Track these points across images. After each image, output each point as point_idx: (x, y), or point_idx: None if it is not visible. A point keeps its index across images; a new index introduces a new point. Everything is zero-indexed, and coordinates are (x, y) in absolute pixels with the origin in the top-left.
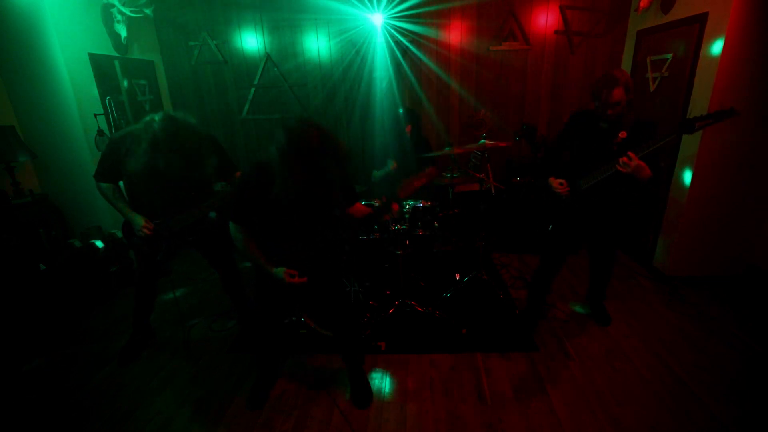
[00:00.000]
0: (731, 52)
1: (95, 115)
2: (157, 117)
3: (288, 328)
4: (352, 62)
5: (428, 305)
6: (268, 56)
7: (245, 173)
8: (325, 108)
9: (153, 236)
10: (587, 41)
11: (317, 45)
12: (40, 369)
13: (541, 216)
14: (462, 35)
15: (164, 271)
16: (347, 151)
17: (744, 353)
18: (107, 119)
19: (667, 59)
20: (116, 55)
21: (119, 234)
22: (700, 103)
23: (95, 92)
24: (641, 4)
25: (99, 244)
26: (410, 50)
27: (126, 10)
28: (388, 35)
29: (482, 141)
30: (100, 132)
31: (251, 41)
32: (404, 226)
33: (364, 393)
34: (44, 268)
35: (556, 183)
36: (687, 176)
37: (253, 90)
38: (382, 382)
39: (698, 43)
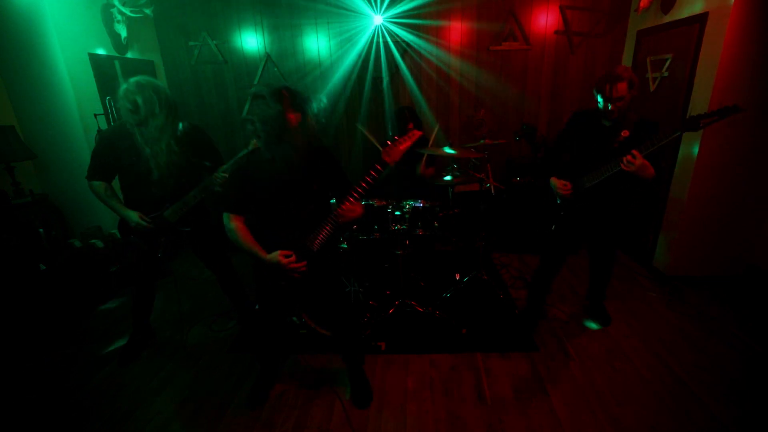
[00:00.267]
0: (731, 52)
1: (95, 115)
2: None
3: (288, 327)
4: (352, 62)
5: (428, 305)
6: (268, 56)
7: (236, 159)
8: (326, 108)
9: (151, 230)
10: (587, 41)
11: (317, 45)
12: (40, 369)
13: (541, 216)
14: (462, 35)
15: (164, 271)
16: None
17: (744, 353)
18: (107, 119)
19: (667, 59)
20: (116, 55)
21: (119, 234)
22: (700, 103)
23: (95, 92)
24: (641, 5)
25: (99, 244)
26: (410, 50)
27: (126, 10)
28: (388, 35)
29: (482, 141)
30: (100, 132)
31: (251, 41)
32: (404, 226)
33: (364, 393)
34: (44, 268)
35: (560, 184)
36: (687, 176)
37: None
38: (382, 382)
39: (698, 43)
